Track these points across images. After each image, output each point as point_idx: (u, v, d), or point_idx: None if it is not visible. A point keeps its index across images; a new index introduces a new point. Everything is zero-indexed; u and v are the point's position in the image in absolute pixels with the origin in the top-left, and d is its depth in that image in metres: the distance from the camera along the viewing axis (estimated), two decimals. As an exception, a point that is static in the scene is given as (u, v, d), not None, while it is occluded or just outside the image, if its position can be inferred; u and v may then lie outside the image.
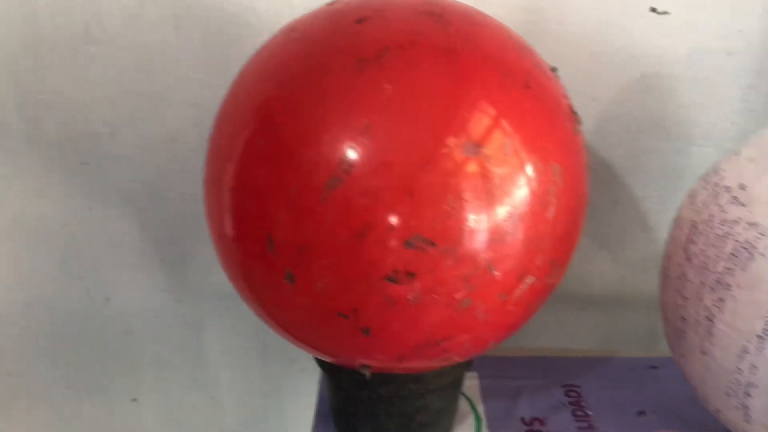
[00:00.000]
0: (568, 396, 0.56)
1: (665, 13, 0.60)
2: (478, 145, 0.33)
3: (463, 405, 0.54)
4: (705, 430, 0.52)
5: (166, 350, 0.76)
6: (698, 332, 0.39)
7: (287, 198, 0.34)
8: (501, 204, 0.34)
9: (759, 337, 0.35)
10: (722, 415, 0.41)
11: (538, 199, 0.35)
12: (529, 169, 0.35)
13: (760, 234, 0.36)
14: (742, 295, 0.36)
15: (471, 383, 0.57)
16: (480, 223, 0.33)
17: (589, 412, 0.54)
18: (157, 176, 0.65)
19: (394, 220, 0.32)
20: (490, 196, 0.33)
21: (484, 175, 0.33)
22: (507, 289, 0.36)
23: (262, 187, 0.35)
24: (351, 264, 0.33)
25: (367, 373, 0.41)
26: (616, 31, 0.60)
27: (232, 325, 0.75)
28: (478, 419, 0.53)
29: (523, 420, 0.53)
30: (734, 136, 0.64)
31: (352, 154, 0.32)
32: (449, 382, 0.47)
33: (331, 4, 0.39)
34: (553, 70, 0.41)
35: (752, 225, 0.36)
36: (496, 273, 0.35)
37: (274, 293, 0.37)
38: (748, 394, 0.37)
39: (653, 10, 0.60)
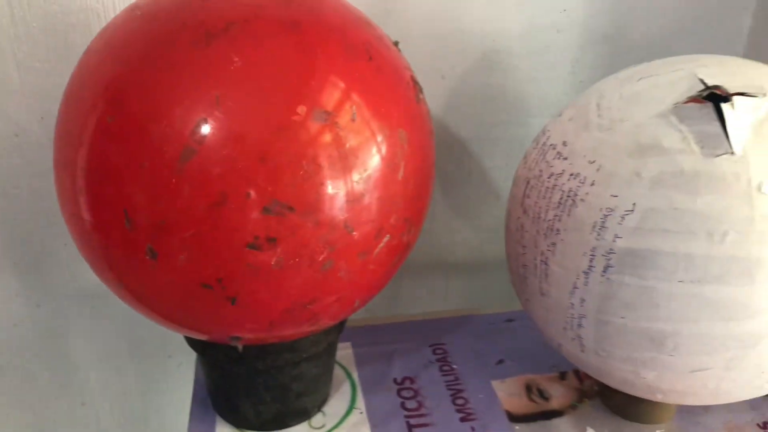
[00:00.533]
0: (435, 354, 0.60)
1: (500, -6, 0.65)
2: (328, 112, 0.35)
3: (339, 373, 0.57)
4: (552, 368, 0.58)
5: (28, 359, 0.72)
6: (537, 276, 0.44)
7: (142, 174, 0.34)
8: (354, 167, 0.36)
9: (585, 273, 0.40)
10: (563, 349, 0.46)
11: (388, 162, 0.38)
12: (377, 135, 0.37)
13: (580, 183, 0.41)
14: (569, 238, 0.41)
15: (345, 353, 0.60)
16: (336, 186, 0.35)
17: (455, 366, 0.58)
18: (1, 174, 0.62)
19: (250, 187, 0.34)
20: (343, 159, 0.35)
21: (336, 140, 0.35)
22: (366, 248, 0.38)
23: (116, 166, 0.35)
24: (212, 234, 0.34)
25: (239, 345, 0.42)
26: (458, 12, 0.65)
27: (101, 325, 0.72)
28: (353, 385, 0.56)
29: (395, 380, 0.56)
30: (566, 105, 0.71)
31: (204, 125, 0.33)
32: (323, 349, 0.49)
33: (173, -19, 0.40)
34: (395, 43, 0.44)
35: (573, 175, 0.41)
36: (355, 233, 0.37)
37: (137, 271, 0.37)
38: (580, 325, 0.42)
39: (489, -9, 0.65)
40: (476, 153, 0.73)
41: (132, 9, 0.38)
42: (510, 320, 0.65)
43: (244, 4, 0.36)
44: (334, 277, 0.38)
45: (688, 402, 0.44)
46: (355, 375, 0.57)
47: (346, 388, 0.55)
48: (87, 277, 0.68)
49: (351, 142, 0.36)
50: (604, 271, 0.39)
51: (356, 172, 0.36)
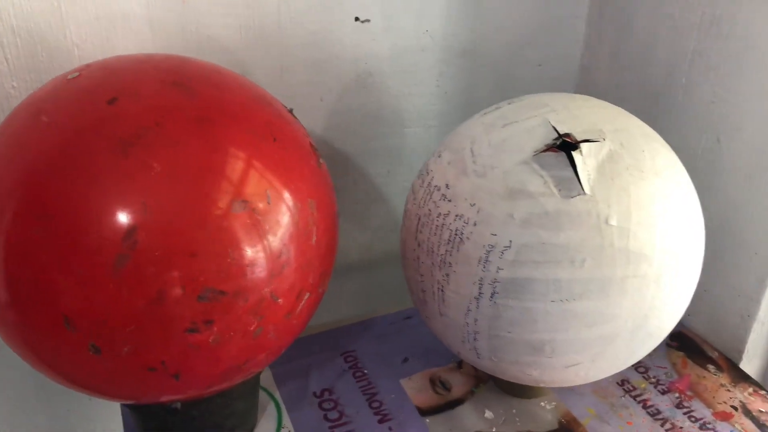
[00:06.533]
0: (347, 362, 0.66)
1: (367, 21, 0.70)
2: (245, 201, 0.39)
3: (262, 396, 0.61)
4: (450, 359, 0.66)
5: None
6: (435, 300, 0.51)
7: (77, 280, 0.36)
8: (274, 244, 0.40)
9: (476, 298, 0.48)
10: (462, 355, 0.54)
11: (302, 232, 0.42)
12: (291, 210, 0.41)
13: (465, 223, 0.47)
14: (460, 270, 0.48)
15: (266, 374, 0.64)
16: (260, 265, 0.40)
17: (366, 371, 0.65)
18: None
19: (184, 281, 0.37)
20: (264, 240, 0.40)
21: (256, 225, 0.39)
22: (290, 309, 0.43)
23: (50, 275, 0.36)
24: (153, 326, 0.37)
25: (178, 405, 0.45)
26: (330, 40, 0.69)
27: (5, 374, 0.71)
28: (277, 405, 0.61)
29: (314, 394, 0.62)
30: (435, 115, 0.78)
31: (134, 230, 0.36)
32: (251, 386, 0.53)
33: (72, 79, 0.41)
34: (290, 111, 0.48)
35: (459, 216, 0.48)
36: (280, 300, 0.42)
37: (80, 365, 0.39)
38: (475, 339, 0.50)
39: (357, 19, 0.69)
40: (359, 164, 0.78)
41: (35, 114, 0.39)
42: (408, 317, 0.73)
43: (153, 106, 0.39)
44: (265, 339, 0.42)
45: (564, 386, 0.54)
46: (277, 395, 0.62)
47: (271, 409, 0.60)
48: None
49: (269, 223, 0.40)
50: (491, 297, 0.47)
51: (277, 248, 0.40)
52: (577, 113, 0.49)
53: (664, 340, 0.69)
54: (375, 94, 0.74)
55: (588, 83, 0.81)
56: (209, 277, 0.38)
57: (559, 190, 0.45)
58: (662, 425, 0.59)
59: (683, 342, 0.69)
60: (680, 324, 0.72)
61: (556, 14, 0.78)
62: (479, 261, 0.47)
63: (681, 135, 0.68)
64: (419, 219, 0.52)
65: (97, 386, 0.41)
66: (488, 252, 0.46)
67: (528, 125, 0.49)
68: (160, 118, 0.38)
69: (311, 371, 0.65)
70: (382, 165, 0.79)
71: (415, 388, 0.63)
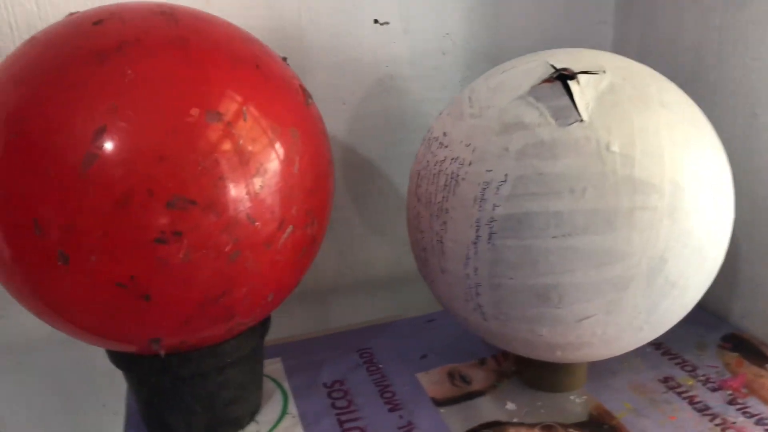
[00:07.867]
0: (362, 357, 0.63)
1: (386, 23, 0.71)
2: (219, 113, 0.39)
3: (270, 386, 0.58)
4: (472, 356, 0.61)
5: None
6: (435, 254, 0.48)
7: (47, 181, 0.36)
8: (249, 161, 0.39)
9: (473, 243, 0.44)
10: (469, 323, 0.50)
11: (283, 157, 0.41)
12: (270, 132, 0.41)
13: (460, 164, 0.45)
14: (456, 214, 0.45)
15: (275, 367, 0.61)
16: (234, 179, 0.39)
17: (380, 365, 0.61)
18: None
19: (151, 185, 0.37)
20: (238, 155, 0.39)
21: (230, 138, 0.39)
22: (271, 239, 0.41)
23: (22, 177, 0.37)
24: (119, 232, 0.37)
25: (161, 349, 0.43)
26: (350, 43, 0.70)
27: (27, 380, 0.71)
28: (284, 393, 0.57)
29: (324, 384, 0.58)
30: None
31: (104, 132, 0.36)
32: (247, 354, 0.50)
33: (70, 15, 0.43)
34: (284, 59, 0.48)
35: (454, 159, 0.46)
36: (257, 224, 0.40)
37: (50, 277, 0.38)
38: (478, 294, 0.46)
39: (376, 21, 0.71)
40: (384, 171, 0.77)
41: (31, 39, 0.41)
42: (431, 320, 0.69)
43: (135, 26, 0.40)
44: (242, 269, 0.41)
45: (586, 355, 0.48)
46: (285, 385, 0.59)
47: (277, 397, 0.57)
48: (11, 330, 0.68)
49: (244, 139, 0.39)
50: (489, 239, 0.44)
51: (253, 166, 0.39)
52: (579, 57, 0.47)
53: (715, 342, 0.62)
54: (397, 98, 0.74)
55: (621, 88, 0.79)
56: (178, 184, 0.37)
57: (556, 120, 0.43)
58: (711, 420, 0.51)
59: (738, 344, 0.62)
60: (734, 327, 0.64)
61: (581, 18, 0.77)
62: (475, 200, 0.44)
63: (714, 118, 0.64)
64: (419, 174, 0.50)
65: (68, 306, 0.40)
66: (484, 189, 0.44)
67: (526, 68, 0.47)
68: (141, 34, 0.39)
69: (324, 365, 0.61)
70: (407, 173, 0.78)
71: (432, 381, 0.58)
